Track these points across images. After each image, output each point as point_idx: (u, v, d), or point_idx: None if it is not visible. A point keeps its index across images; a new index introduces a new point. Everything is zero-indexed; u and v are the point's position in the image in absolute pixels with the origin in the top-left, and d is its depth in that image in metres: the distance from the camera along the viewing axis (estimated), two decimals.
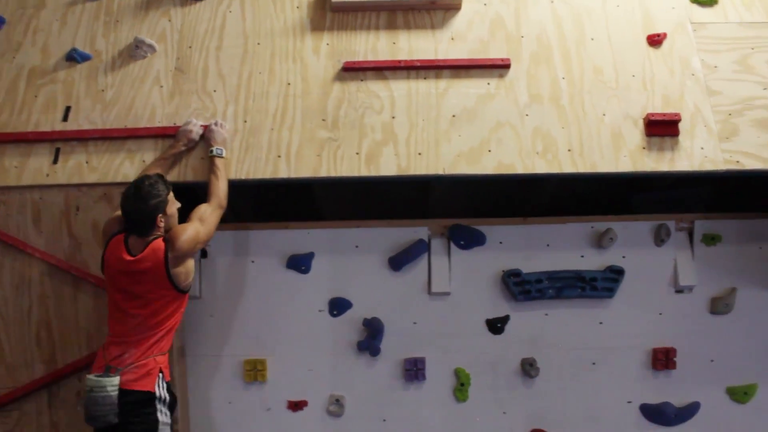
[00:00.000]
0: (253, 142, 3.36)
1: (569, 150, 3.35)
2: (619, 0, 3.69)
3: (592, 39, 3.59)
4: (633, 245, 3.64)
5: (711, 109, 3.46)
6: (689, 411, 3.64)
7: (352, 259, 3.59)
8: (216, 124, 3.31)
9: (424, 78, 3.47)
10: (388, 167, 3.29)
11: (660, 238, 3.64)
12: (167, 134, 3.37)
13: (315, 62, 3.51)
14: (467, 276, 3.61)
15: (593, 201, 3.70)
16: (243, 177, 3.29)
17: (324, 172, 3.30)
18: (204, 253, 3.54)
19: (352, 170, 3.30)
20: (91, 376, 2.87)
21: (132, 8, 3.68)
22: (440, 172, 3.29)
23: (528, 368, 3.59)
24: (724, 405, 3.63)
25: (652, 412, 3.64)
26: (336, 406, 3.56)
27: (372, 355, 3.57)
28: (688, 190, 3.83)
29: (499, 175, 3.30)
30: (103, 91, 3.50)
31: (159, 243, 2.94)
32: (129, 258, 2.92)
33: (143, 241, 2.94)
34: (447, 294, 3.59)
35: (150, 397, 2.91)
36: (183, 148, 3.30)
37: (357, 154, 3.33)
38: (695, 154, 3.38)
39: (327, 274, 3.59)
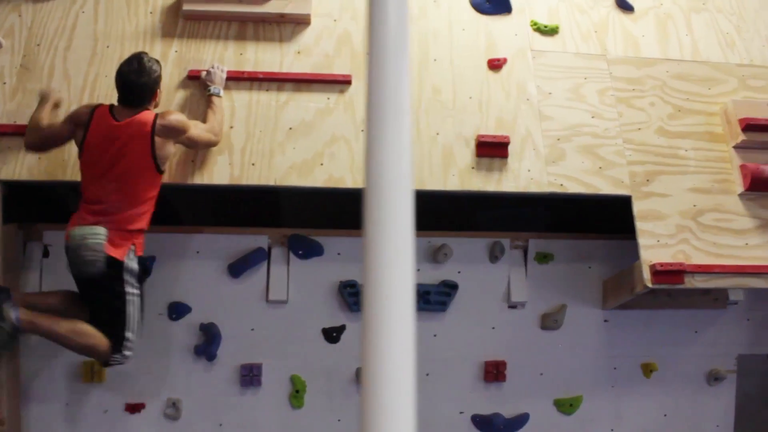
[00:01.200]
0: None
1: None
2: (465, 24, 3.83)
3: (435, 60, 3.71)
4: (468, 261, 3.78)
5: (541, 133, 3.62)
6: (518, 422, 3.80)
7: (193, 264, 3.64)
8: (214, 67, 3.43)
9: (267, 90, 3.53)
10: (221, 176, 3.35)
11: (494, 255, 3.78)
12: (6, 132, 3.36)
13: (162, 68, 3.54)
14: (305, 285, 3.70)
15: (435, 216, 3.81)
16: (78, 179, 3.30)
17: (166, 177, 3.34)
18: (46, 253, 3.54)
19: (185, 177, 3.35)
20: (76, 228, 2.95)
21: None
22: (271, 183, 3.36)
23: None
24: (551, 416, 3.81)
25: (483, 423, 3.78)
26: (173, 410, 3.60)
27: (208, 360, 3.62)
28: (529, 210, 3.99)
29: (329, 188, 3.39)
30: None
31: (149, 113, 3.07)
32: (116, 123, 3.03)
33: (132, 111, 3.06)
34: (284, 302, 3.67)
35: (118, 265, 3.00)
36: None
37: (192, 161, 3.38)
38: (522, 175, 3.53)
39: (167, 278, 3.62)
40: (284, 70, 3.59)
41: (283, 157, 3.41)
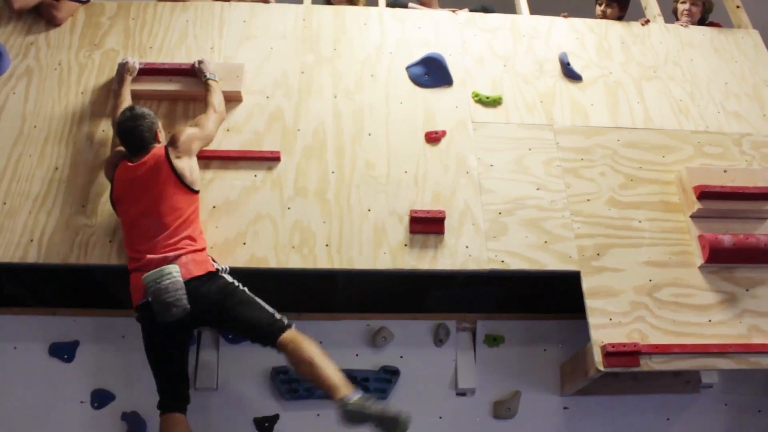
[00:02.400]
0: (8, 224, 3.29)
1: (327, 245, 3.29)
2: (403, 97, 3.72)
3: (370, 134, 3.59)
4: (411, 345, 3.55)
5: (482, 207, 3.44)
6: None
7: (118, 349, 3.47)
8: (203, 60, 3.60)
9: None
10: None
11: (439, 338, 3.54)
12: None
13: (88, 148, 3.48)
14: (235, 371, 3.48)
15: (373, 297, 3.61)
16: None
17: (74, 258, 3.22)
18: None
19: (102, 258, 3.23)
20: (147, 273, 2.85)
21: None
22: None
23: None
24: None
25: None
26: None
27: None
28: (477, 290, 3.75)
29: (250, 268, 3.22)
30: None
31: (159, 147, 3.11)
32: (132, 165, 3.07)
33: (142, 154, 3.09)
34: (214, 389, 3.45)
35: (215, 275, 2.97)
36: (130, 78, 3.53)
37: (110, 242, 3.26)
38: (459, 252, 3.32)
39: (91, 363, 3.45)
40: (212, 148, 3.48)
41: (204, 236, 3.26)
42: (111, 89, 3.63)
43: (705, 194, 3.43)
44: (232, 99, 3.63)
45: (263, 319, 2.94)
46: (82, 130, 3.54)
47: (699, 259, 3.39)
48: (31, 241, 3.26)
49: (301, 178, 3.45)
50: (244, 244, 3.27)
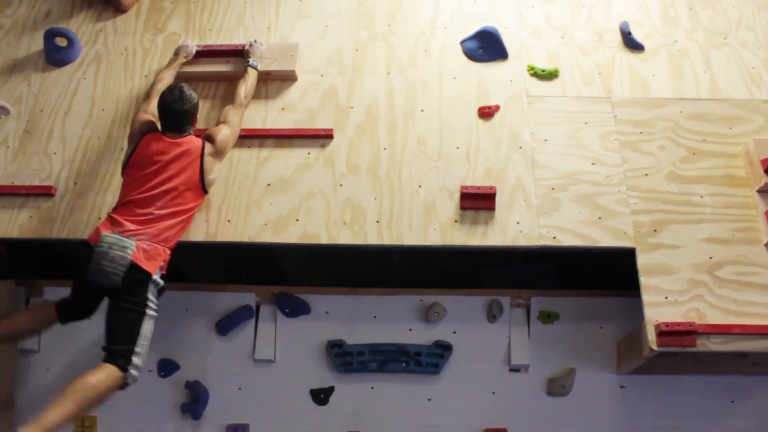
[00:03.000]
0: (79, 203, 3.49)
1: (377, 221, 3.32)
2: (457, 72, 3.69)
3: (422, 110, 3.59)
4: (464, 320, 3.56)
5: (534, 182, 3.39)
6: None
7: (181, 321, 3.63)
8: (255, 41, 3.64)
9: (248, 147, 3.53)
10: (196, 233, 3.34)
11: (492, 313, 3.54)
12: (2, 192, 3.52)
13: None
14: (292, 344, 3.60)
15: (427, 272, 3.63)
16: (64, 236, 3.40)
17: None
18: None
19: None
20: (108, 233, 2.96)
21: None
22: (245, 240, 3.32)
23: None
24: None
25: None
26: None
27: (194, 419, 3.56)
28: (532, 266, 3.72)
29: (304, 244, 3.30)
30: None
31: (195, 138, 3.24)
32: (170, 140, 3.18)
33: (179, 134, 3.21)
34: (271, 361, 3.58)
35: (147, 279, 3.01)
36: (183, 60, 3.65)
37: None
38: (510, 228, 3.30)
39: (157, 335, 3.59)
40: (267, 126, 3.57)
41: (259, 213, 3.37)
42: None
43: None
44: (287, 78, 3.70)
45: (119, 340, 2.96)
46: None
47: (766, 236, 3.24)
48: (99, 218, 3.44)
49: (353, 156, 3.49)
50: (297, 220, 3.35)
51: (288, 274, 3.95)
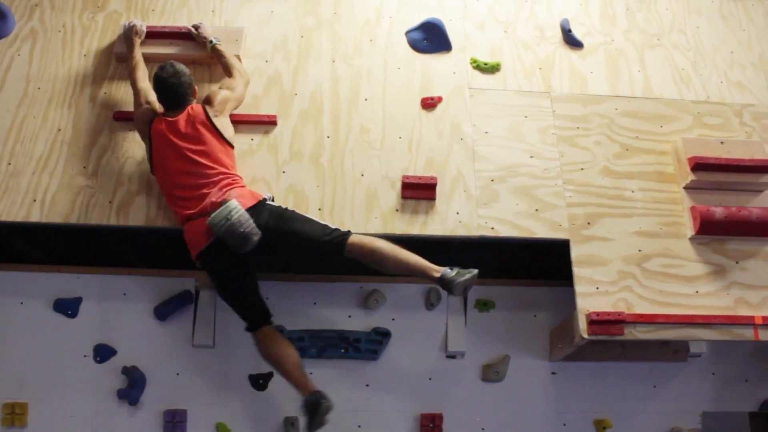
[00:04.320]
0: (13, 184, 3.40)
1: (319, 209, 3.35)
2: (401, 62, 3.73)
3: (366, 99, 3.62)
4: (403, 308, 3.62)
5: (474, 174, 3.46)
6: None
7: (119, 306, 3.59)
8: (200, 24, 3.63)
9: None
10: (137, 217, 3.31)
11: (430, 302, 3.61)
12: None
13: (89, 110, 3.56)
14: (232, 330, 3.58)
15: None
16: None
17: (74, 218, 3.32)
18: None
19: (102, 218, 3.32)
20: (212, 216, 3.00)
21: None
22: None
23: (290, 427, 3.53)
24: None
25: None
26: None
27: (131, 404, 3.53)
28: (474, 254, 3.79)
29: None
30: None
31: (197, 105, 3.26)
32: (172, 119, 3.20)
33: (181, 109, 3.23)
34: (211, 347, 3.56)
35: (263, 202, 3.14)
36: (139, 41, 3.59)
37: (110, 202, 3.35)
38: (450, 218, 3.37)
39: (94, 319, 3.58)
40: None
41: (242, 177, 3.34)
42: (112, 52, 3.68)
43: (699, 165, 3.42)
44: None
45: (320, 230, 3.11)
46: (85, 92, 3.62)
47: (690, 231, 3.40)
48: (34, 201, 3.36)
49: (296, 142, 3.50)
50: None
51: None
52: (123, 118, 3.50)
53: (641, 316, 3.21)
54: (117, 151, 3.46)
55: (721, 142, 3.54)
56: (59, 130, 3.52)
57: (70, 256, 3.79)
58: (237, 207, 3.00)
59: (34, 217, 3.33)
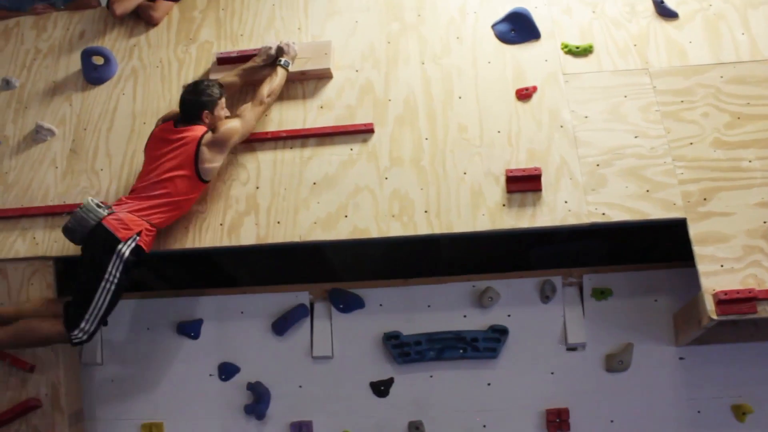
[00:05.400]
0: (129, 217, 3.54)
1: (426, 211, 3.35)
2: (491, 57, 3.69)
3: (460, 97, 3.59)
4: (518, 303, 3.57)
5: (578, 160, 3.38)
6: None
7: (238, 324, 3.70)
8: (293, 42, 3.68)
9: (291, 147, 3.57)
10: (247, 237, 3.40)
11: (545, 294, 3.55)
12: (56, 212, 3.62)
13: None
14: (349, 339, 3.64)
15: (477, 258, 3.64)
16: None
17: (189, 243, 3.45)
18: (105, 321, 3.72)
19: (215, 241, 3.43)
20: (90, 199, 3.19)
21: (40, 95, 4.01)
22: (296, 239, 3.36)
23: (414, 431, 3.54)
24: None
25: None
26: None
27: (258, 419, 3.62)
28: (587, 243, 3.71)
29: (354, 240, 3.34)
30: (6, 173, 3.81)
31: (200, 127, 3.35)
32: (174, 128, 3.35)
33: (187, 124, 3.36)
34: (329, 357, 3.62)
35: (114, 246, 3.13)
36: (261, 63, 3.65)
37: (221, 225, 3.45)
38: (558, 208, 3.30)
39: (215, 339, 3.70)
40: (307, 126, 3.61)
41: (307, 212, 3.41)
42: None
43: None
44: (323, 76, 3.73)
45: (74, 300, 3.16)
46: None
47: None
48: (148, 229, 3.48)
49: (395, 148, 3.51)
50: (346, 216, 3.38)
51: (339, 270, 3.99)
52: None
53: None
54: (222, 175, 3.56)
55: None
56: None
57: (189, 282, 3.94)
58: (95, 215, 3.13)
59: (153, 246, 3.45)
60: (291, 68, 3.65)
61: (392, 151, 3.50)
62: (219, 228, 3.45)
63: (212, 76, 3.72)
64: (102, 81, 3.96)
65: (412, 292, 3.63)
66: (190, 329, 3.71)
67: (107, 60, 3.94)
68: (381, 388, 3.60)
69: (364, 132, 3.54)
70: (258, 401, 3.61)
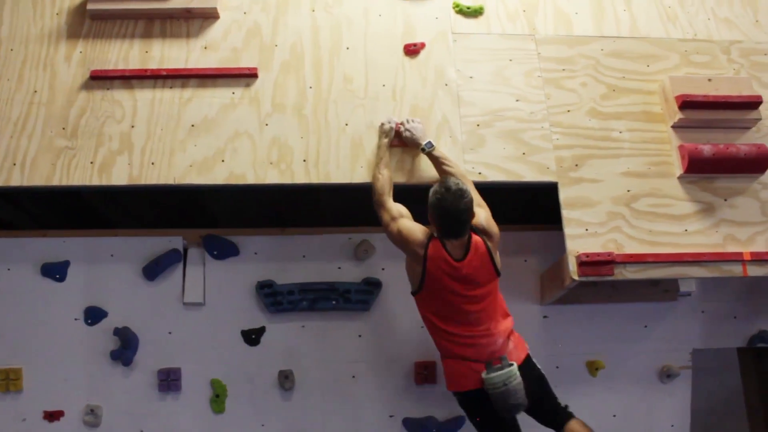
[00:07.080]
0: None
1: (304, 160, 3.31)
2: (382, 9, 3.65)
3: (348, 48, 3.55)
4: (393, 257, 3.59)
5: (460, 119, 3.42)
6: (452, 425, 3.60)
7: (107, 267, 3.57)
8: (408, 121, 3.28)
9: (170, 87, 3.43)
10: (119, 177, 3.26)
11: None
12: None
13: (65, 70, 3.47)
14: (222, 286, 3.59)
15: (356, 211, 3.64)
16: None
17: (56, 180, 3.27)
18: None
19: (84, 179, 3.27)
20: (493, 374, 2.90)
21: None
22: (171, 182, 3.26)
23: (284, 380, 3.55)
24: None
25: (415, 426, 3.60)
26: (92, 417, 3.52)
27: (124, 365, 3.54)
28: None
29: (231, 185, 3.27)
30: None
31: (475, 238, 2.97)
32: (458, 264, 2.94)
33: (460, 242, 2.95)
34: (201, 304, 3.56)
35: (529, 358, 3.08)
36: (387, 142, 3.27)
37: (91, 163, 3.29)
38: None
39: (82, 282, 3.57)
40: (189, 66, 3.47)
41: (183, 155, 3.30)
42: (86, 9, 3.56)
43: (687, 104, 3.39)
44: (209, 16, 3.58)
45: (555, 398, 3.11)
46: (59, 51, 3.52)
47: (678, 170, 3.39)
48: (14, 164, 3.29)
49: (278, 94, 3.44)
50: (223, 161, 3.30)
51: (215, 216, 3.91)
52: (101, 77, 3.42)
53: (631, 256, 3.21)
54: (96, 111, 3.39)
55: (709, 80, 3.50)
56: (35, 91, 3.44)
57: (56, 221, 3.76)
58: (516, 375, 2.90)
59: (15, 180, 3.27)
60: (177, 4, 3.50)
61: (275, 98, 3.43)
62: (89, 166, 3.28)
63: (91, 6, 3.52)
64: None
65: (288, 242, 3.61)
66: (55, 271, 3.56)
67: None
68: (252, 337, 3.58)
69: (247, 76, 3.45)
70: (125, 347, 3.52)
